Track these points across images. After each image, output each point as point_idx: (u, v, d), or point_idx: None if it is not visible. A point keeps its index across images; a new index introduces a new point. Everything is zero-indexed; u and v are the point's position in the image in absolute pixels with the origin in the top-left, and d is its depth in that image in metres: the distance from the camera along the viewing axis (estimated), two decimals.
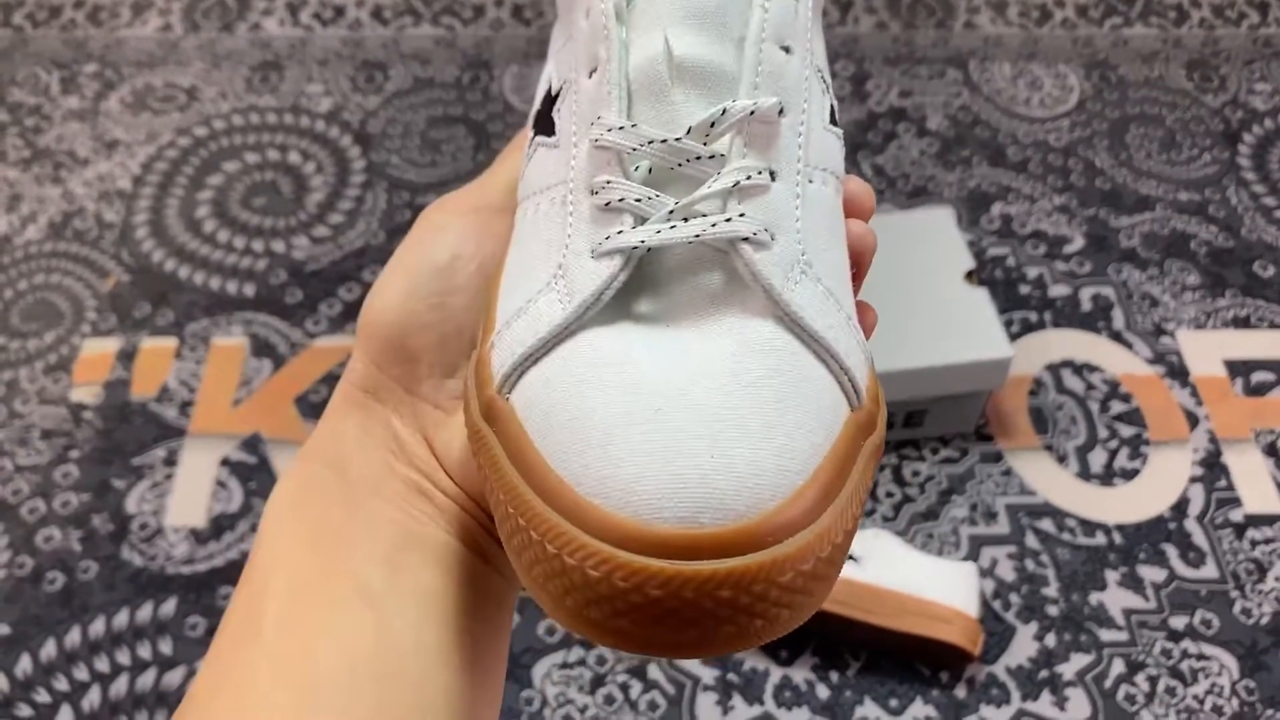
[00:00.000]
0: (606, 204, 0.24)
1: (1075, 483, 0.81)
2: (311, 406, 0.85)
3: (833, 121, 0.28)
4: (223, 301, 0.92)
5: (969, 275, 0.80)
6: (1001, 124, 1.05)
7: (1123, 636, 0.74)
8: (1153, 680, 0.72)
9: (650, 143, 0.24)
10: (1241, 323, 0.91)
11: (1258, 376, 0.87)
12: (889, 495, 0.81)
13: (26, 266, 0.95)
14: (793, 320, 0.24)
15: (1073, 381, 0.87)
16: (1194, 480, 0.81)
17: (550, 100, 0.28)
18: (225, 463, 0.82)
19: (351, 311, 0.91)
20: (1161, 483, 0.81)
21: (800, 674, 0.72)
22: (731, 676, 0.72)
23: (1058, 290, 0.92)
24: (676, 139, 0.24)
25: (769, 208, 0.25)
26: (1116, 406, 0.85)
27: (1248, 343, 0.89)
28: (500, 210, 0.30)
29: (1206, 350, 0.89)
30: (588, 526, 0.21)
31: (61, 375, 0.87)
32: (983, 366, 0.77)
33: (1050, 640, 0.74)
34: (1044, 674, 0.72)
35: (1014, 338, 0.89)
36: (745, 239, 0.24)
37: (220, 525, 0.79)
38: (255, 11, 1.16)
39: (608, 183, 0.25)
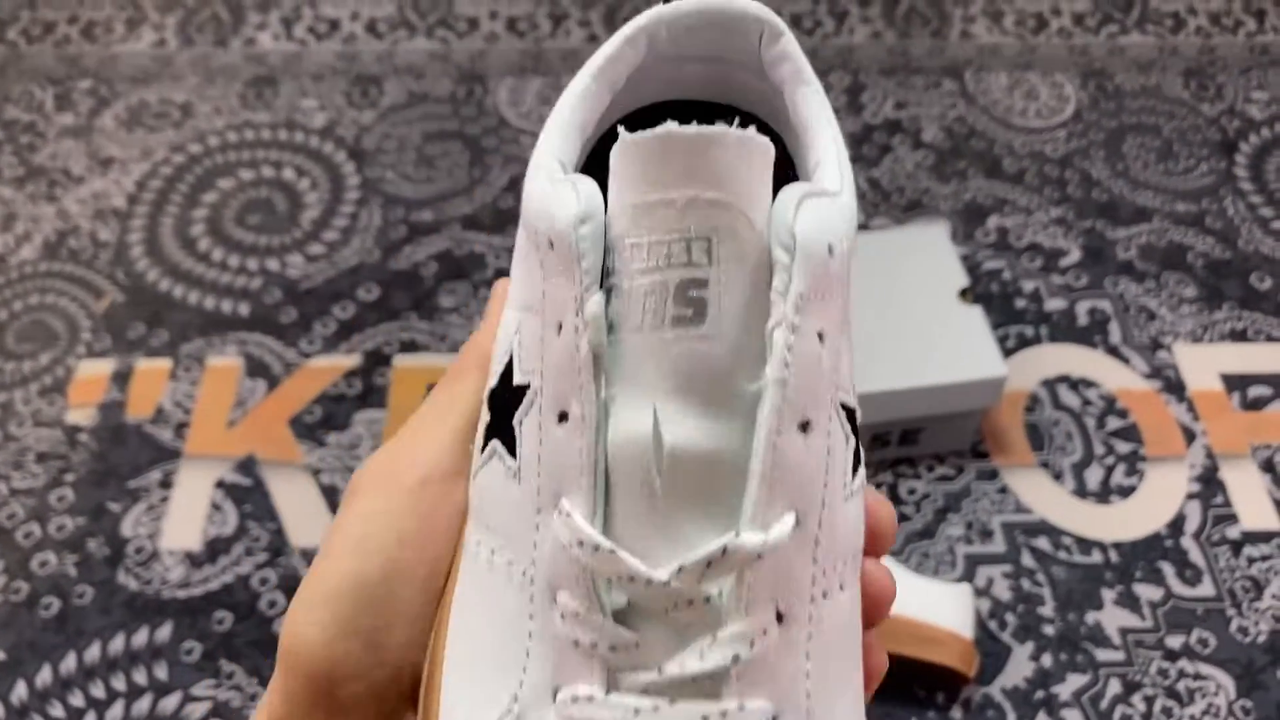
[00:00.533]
0: (574, 641, 0.21)
1: (1071, 500, 0.81)
2: (306, 428, 0.85)
3: (855, 469, 0.23)
4: (217, 321, 0.92)
5: (963, 293, 0.80)
6: (998, 135, 1.05)
7: (1119, 656, 0.74)
8: (1149, 700, 0.72)
9: (631, 579, 0.20)
10: (1239, 336, 0.90)
11: (1255, 391, 0.87)
12: None
13: (21, 287, 0.95)
14: None
15: (1069, 397, 0.86)
16: (1191, 497, 0.81)
17: (513, 392, 0.24)
18: (220, 485, 0.82)
19: (346, 330, 0.91)
20: (1158, 500, 0.81)
21: None
22: None
23: (1054, 304, 0.92)
24: (665, 582, 0.20)
25: (775, 679, 0.21)
26: (1113, 422, 0.85)
27: (1245, 356, 0.89)
28: (453, 477, 0.26)
29: (1203, 364, 0.89)
30: None
31: (56, 397, 0.87)
32: (977, 385, 0.77)
33: (1046, 660, 0.73)
34: (1040, 694, 0.72)
35: (1010, 353, 0.89)
36: None
37: (215, 549, 0.79)
38: (249, 26, 1.16)
39: (575, 614, 0.21)
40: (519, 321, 0.24)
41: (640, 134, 0.21)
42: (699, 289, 0.21)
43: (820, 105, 0.26)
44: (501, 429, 0.24)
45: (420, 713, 0.24)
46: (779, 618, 0.21)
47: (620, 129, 0.21)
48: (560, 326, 0.22)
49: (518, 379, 0.23)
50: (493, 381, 0.25)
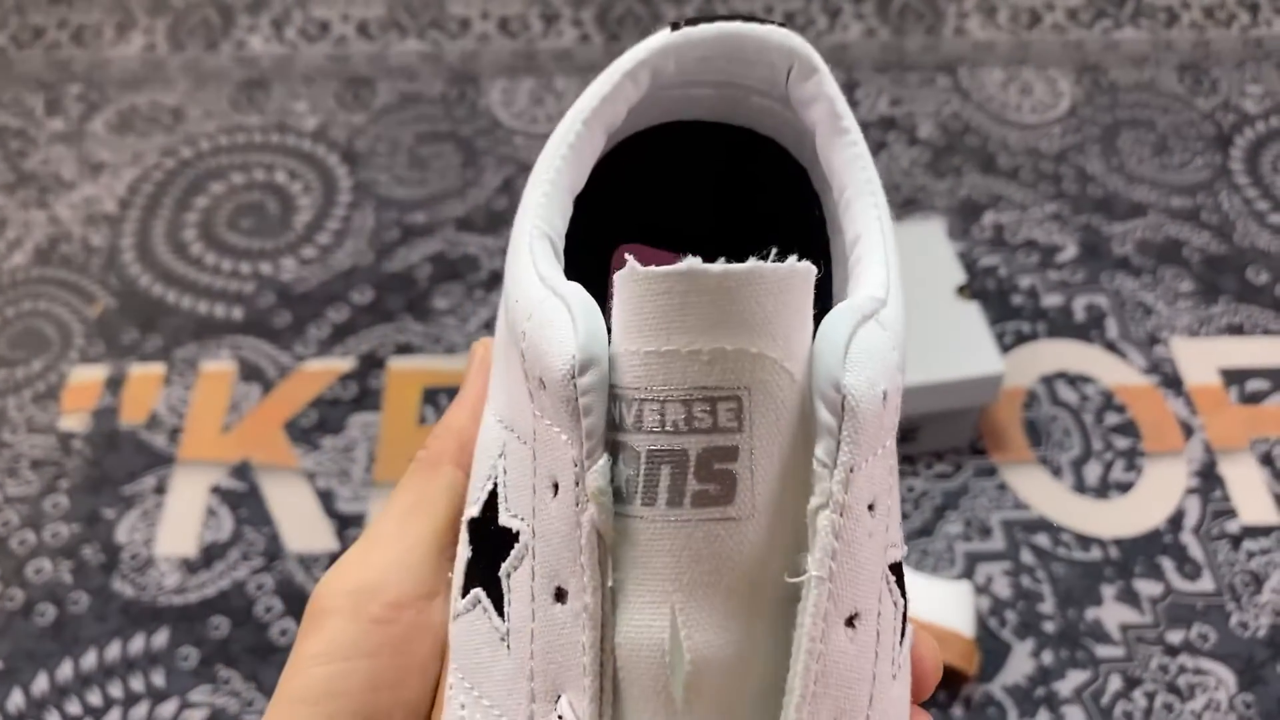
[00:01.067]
0: None
1: (1070, 496, 0.81)
2: (301, 432, 0.84)
3: (903, 633, 0.20)
4: (210, 325, 0.91)
5: (961, 289, 0.80)
6: (992, 131, 1.05)
7: (1119, 652, 0.73)
8: (1150, 696, 0.72)
9: None
10: (1236, 330, 0.90)
11: (1253, 385, 0.87)
12: None
13: (14, 293, 0.94)
14: None
15: (1067, 393, 0.86)
16: (1190, 492, 0.81)
17: (500, 535, 0.20)
18: (215, 490, 0.81)
19: (340, 333, 0.90)
20: (1157, 495, 0.81)
21: None
22: None
23: (1050, 300, 0.92)
24: None
25: None
26: (1111, 418, 0.85)
27: (1242, 350, 0.89)
28: (428, 597, 0.23)
29: (1201, 359, 0.88)
30: None
31: (50, 403, 0.87)
32: (975, 383, 0.76)
33: (1046, 657, 0.73)
34: (1040, 691, 0.72)
35: (1007, 349, 0.88)
36: None
37: (211, 554, 0.78)
38: (239, 29, 1.15)
39: None
40: (504, 444, 0.21)
41: (654, 271, 0.17)
42: (727, 460, 0.17)
43: (862, 165, 0.22)
44: (486, 579, 0.20)
45: None
46: None
47: (628, 258, 0.17)
48: (556, 487, 0.18)
49: (504, 519, 0.20)
50: (473, 510, 0.22)
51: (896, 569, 0.20)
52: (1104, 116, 1.06)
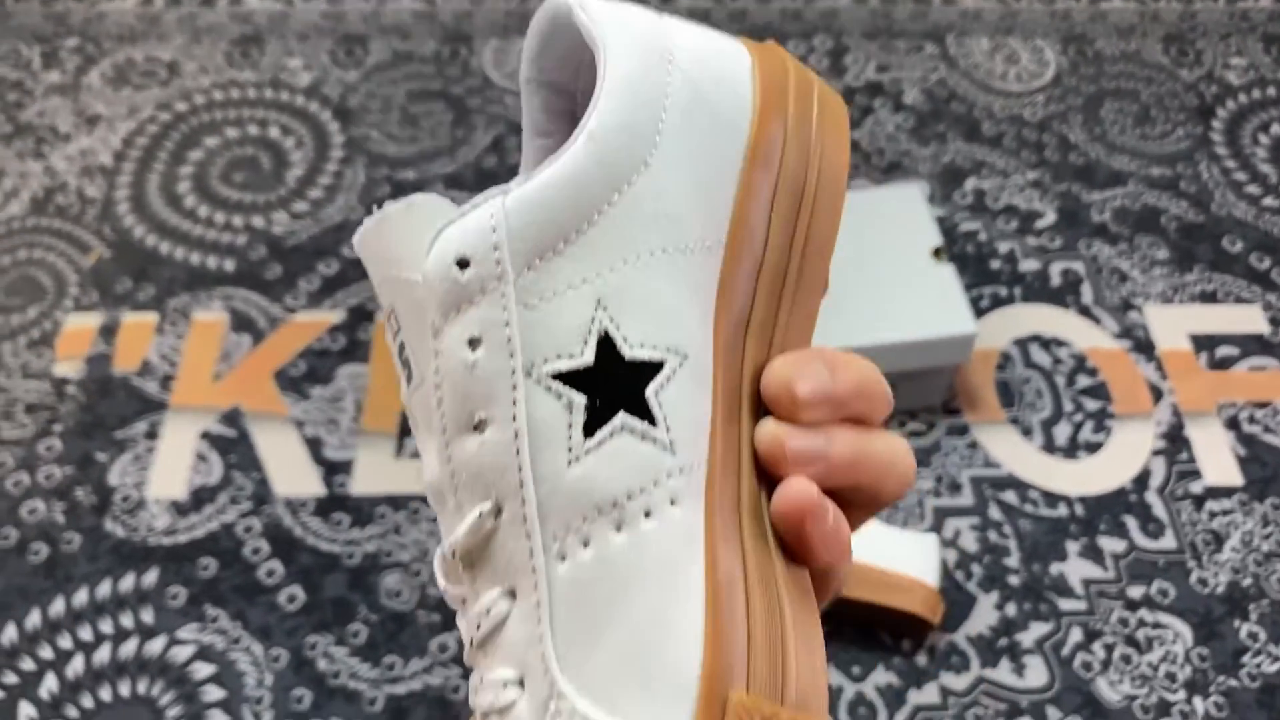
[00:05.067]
0: None
1: (1039, 455, 0.83)
2: (290, 380, 0.86)
3: (600, 422, 0.24)
4: (203, 277, 0.93)
5: (936, 252, 0.82)
6: (978, 99, 1.06)
7: (1081, 606, 0.76)
8: (1109, 648, 0.74)
9: (444, 591, 0.26)
10: (1209, 298, 0.92)
11: (1222, 351, 0.89)
12: None
13: (9, 242, 0.96)
14: None
15: (1040, 356, 0.88)
16: (1156, 453, 0.83)
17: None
18: (205, 436, 0.83)
19: (330, 286, 0.92)
20: (1124, 455, 0.83)
21: None
22: None
23: (1028, 265, 0.93)
24: (444, 589, 0.25)
25: (510, 648, 0.23)
26: (1082, 380, 0.87)
27: (1214, 317, 0.91)
28: None
29: (1173, 325, 0.90)
30: None
31: (44, 350, 0.89)
32: (948, 342, 0.78)
33: (1010, 609, 0.75)
34: (1003, 642, 0.74)
35: (983, 313, 0.90)
36: (491, 710, 0.23)
37: (200, 497, 0.80)
38: None
39: (460, 626, 0.26)
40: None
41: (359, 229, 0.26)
42: (403, 352, 0.25)
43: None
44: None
45: None
46: (513, 594, 0.23)
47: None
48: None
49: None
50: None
51: (571, 376, 0.24)
52: (1088, 86, 1.07)
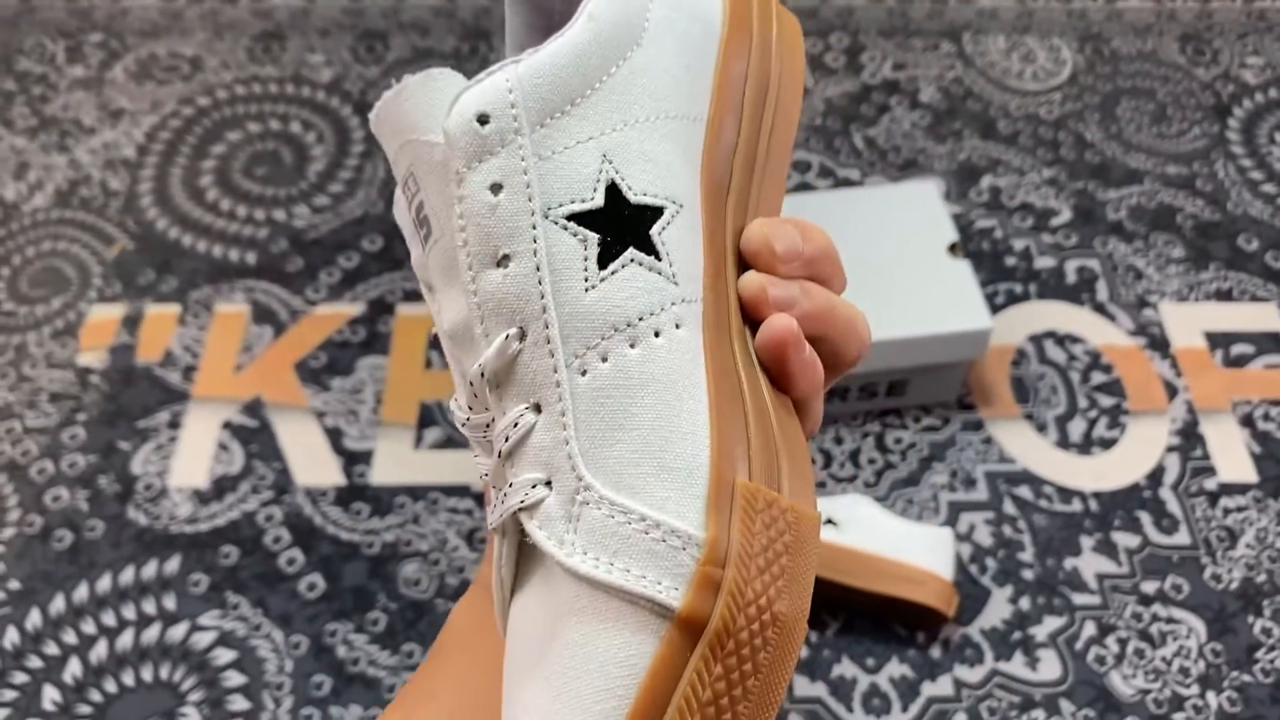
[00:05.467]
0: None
1: (1054, 451, 0.83)
2: (311, 372, 0.87)
3: (610, 258, 0.27)
4: (225, 269, 0.94)
5: (952, 248, 0.82)
6: (994, 97, 1.06)
7: (1095, 600, 0.76)
8: (1122, 642, 0.74)
9: (464, 424, 0.27)
10: (1224, 295, 0.92)
11: (1238, 348, 0.89)
12: (871, 462, 0.83)
13: (34, 234, 0.97)
14: (576, 574, 0.25)
15: (1055, 352, 0.88)
16: (1170, 450, 0.83)
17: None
18: (227, 426, 0.84)
19: (350, 279, 0.93)
20: (1139, 452, 0.83)
21: None
22: None
23: (1043, 262, 0.94)
24: (465, 420, 0.27)
25: (538, 452, 0.26)
26: (1097, 377, 0.87)
27: (1229, 315, 0.91)
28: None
29: (1188, 322, 0.90)
30: None
31: (68, 340, 0.90)
32: (963, 337, 0.79)
33: (1024, 603, 0.76)
34: (1017, 635, 0.75)
35: (998, 309, 0.91)
36: (522, 508, 0.25)
37: (222, 486, 0.81)
38: None
39: (478, 460, 0.28)
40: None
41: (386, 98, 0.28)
42: (422, 209, 0.28)
43: None
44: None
45: None
46: (536, 407, 0.26)
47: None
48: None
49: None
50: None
51: (583, 216, 0.27)
52: (1104, 85, 1.07)
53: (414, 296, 0.92)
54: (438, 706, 0.31)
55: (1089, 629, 0.75)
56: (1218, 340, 0.89)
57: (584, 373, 0.26)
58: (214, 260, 0.95)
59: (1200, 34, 1.12)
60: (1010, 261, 0.94)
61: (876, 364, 0.79)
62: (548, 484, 0.25)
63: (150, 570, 0.78)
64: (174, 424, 0.85)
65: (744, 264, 0.29)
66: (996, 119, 1.04)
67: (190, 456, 0.83)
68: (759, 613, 0.23)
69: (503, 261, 0.26)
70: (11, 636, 0.75)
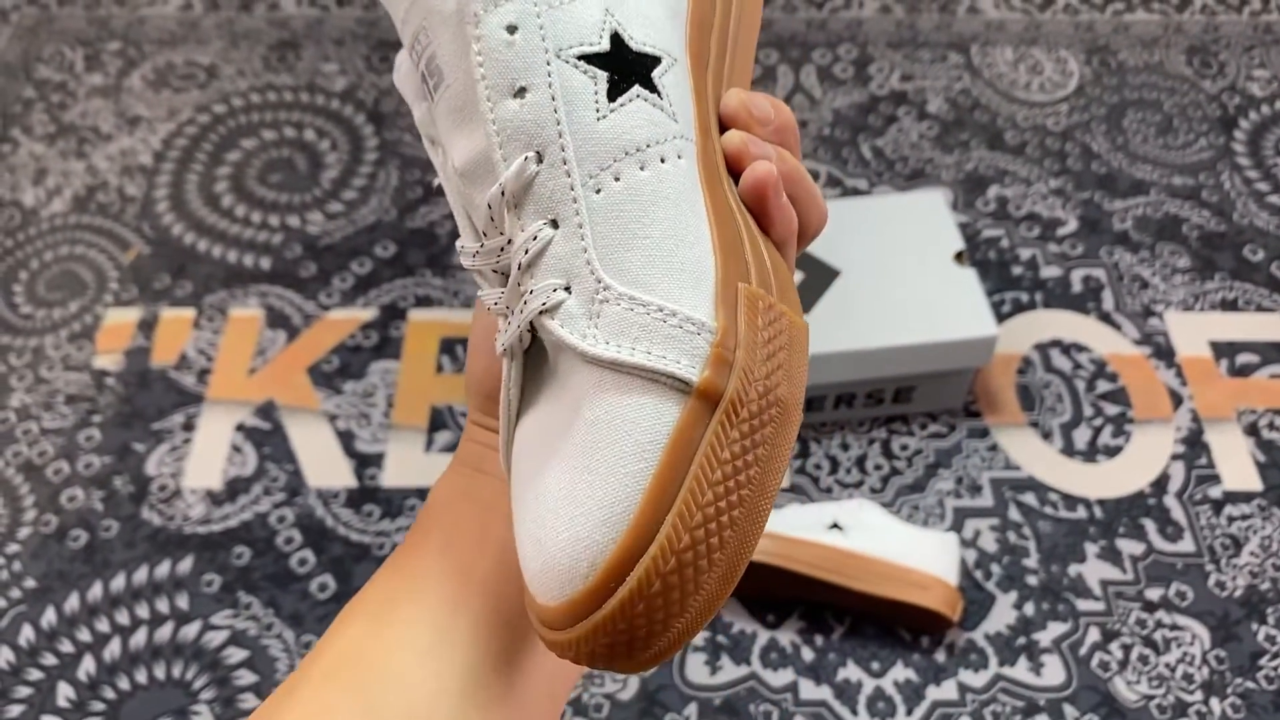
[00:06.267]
0: (497, 313, 0.30)
1: (1059, 458, 0.84)
2: (323, 375, 0.88)
3: (619, 91, 0.29)
4: (239, 274, 0.95)
5: (958, 256, 0.83)
6: (1001, 108, 1.07)
7: (1099, 606, 0.77)
8: (1126, 649, 0.75)
9: (474, 256, 0.29)
10: (1229, 305, 0.93)
11: (1242, 358, 0.90)
12: (877, 468, 0.83)
13: (52, 238, 0.98)
14: (598, 360, 0.27)
15: (1060, 361, 0.89)
16: (1175, 458, 0.84)
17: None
18: (240, 428, 0.85)
19: (363, 285, 0.94)
20: (1143, 460, 0.84)
21: (786, 637, 0.75)
22: (721, 638, 0.75)
23: (1049, 271, 0.94)
24: (480, 246, 0.28)
25: (556, 261, 0.28)
26: (1102, 385, 0.88)
27: (1234, 325, 0.92)
28: None
29: (1193, 332, 0.91)
30: (529, 610, 0.28)
31: (85, 343, 0.91)
32: (969, 344, 0.79)
33: (1029, 609, 0.76)
34: (1021, 641, 0.75)
35: (1005, 318, 0.91)
36: (542, 312, 0.27)
37: (235, 488, 0.82)
38: None
39: (481, 295, 0.30)
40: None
41: None
42: (434, 60, 0.29)
43: None
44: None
45: None
46: (553, 223, 0.28)
47: None
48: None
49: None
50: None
51: (596, 57, 0.29)
52: (1111, 96, 1.08)
53: (425, 302, 0.93)
54: (424, 566, 0.32)
55: (1093, 635, 0.75)
56: (1223, 350, 0.90)
57: (599, 190, 0.28)
58: (228, 265, 0.96)
59: (1207, 46, 1.13)
60: (1017, 270, 0.95)
61: (883, 371, 0.80)
62: (566, 288, 0.27)
63: (163, 570, 0.79)
64: (188, 426, 0.86)
65: (723, 128, 0.32)
66: (1004, 130, 1.05)
67: (204, 458, 0.84)
68: (765, 391, 0.26)
69: (519, 93, 0.28)
70: (27, 634, 0.76)
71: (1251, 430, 0.85)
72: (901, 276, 0.82)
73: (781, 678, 0.74)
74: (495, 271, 0.29)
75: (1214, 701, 0.72)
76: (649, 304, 0.27)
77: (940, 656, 0.75)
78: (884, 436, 0.85)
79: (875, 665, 0.74)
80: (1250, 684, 0.73)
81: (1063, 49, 1.13)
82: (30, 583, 0.78)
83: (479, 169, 0.29)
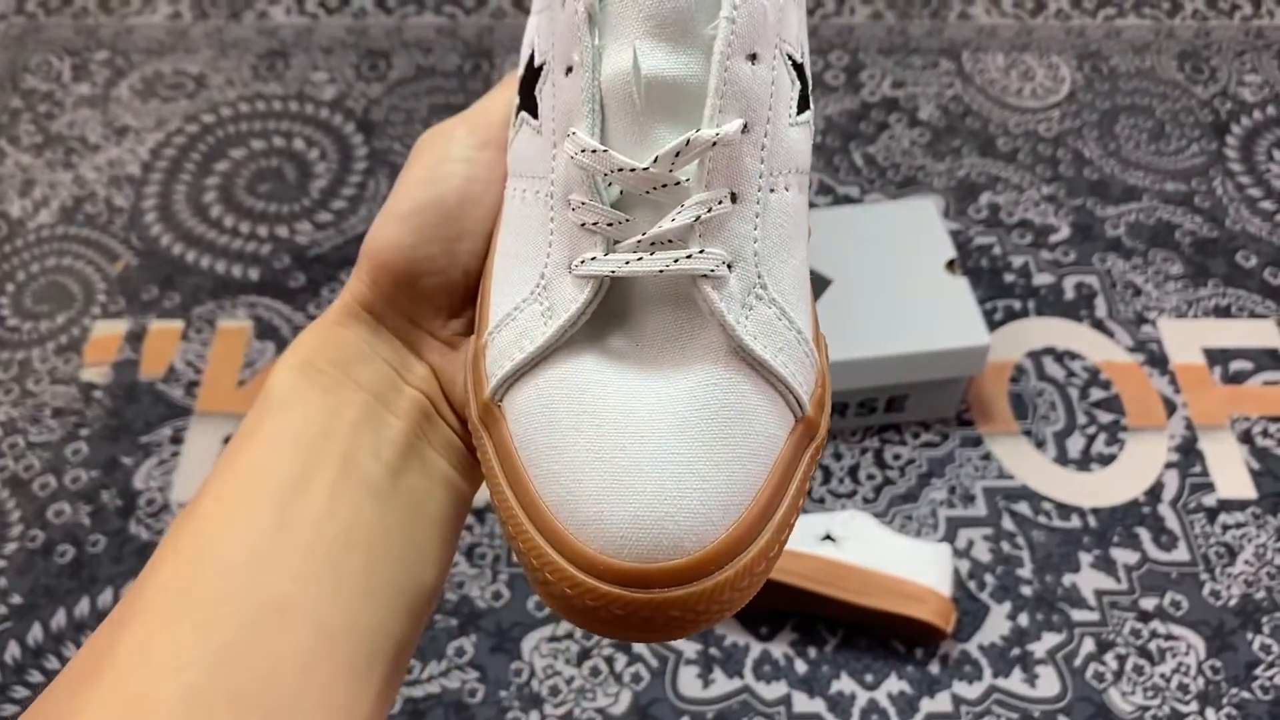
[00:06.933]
0: (582, 224, 0.27)
1: (1052, 467, 0.83)
2: None
3: (802, 108, 0.29)
4: (228, 285, 0.95)
5: (950, 265, 0.83)
6: (993, 114, 1.07)
7: (1094, 616, 0.76)
8: (1121, 659, 0.74)
9: (619, 170, 0.26)
10: (1222, 312, 0.93)
11: (1236, 365, 0.89)
12: (870, 478, 0.83)
13: (39, 250, 0.98)
14: (745, 352, 0.26)
15: (1053, 368, 0.89)
16: (1169, 466, 0.83)
17: (534, 72, 0.30)
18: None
19: None
20: (1137, 468, 0.83)
21: (779, 649, 0.75)
22: (713, 651, 0.75)
23: (1042, 279, 0.94)
24: (645, 168, 0.26)
25: (729, 237, 0.27)
26: (1096, 393, 0.87)
27: (1228, 331, 0.91)
28: (502, 148, 0.32)
29: (1186, 339, 0.91)
30: (562, 550, 0.25)
31: (72, 356, 0.90)
32: (961, 353, 0.79)
33: (1023, 619, 0.76)
34: (1016, 652, 0.75)
35: (997, 325, 0.91)
36: (705, 275, 0.26)
37: None
38: (262, 0, 1.18)
39: (582, 204, 0.27)
40: (535, 21, 0.31)
41: None
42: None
43: None
44: (527, 102, 0.30)
45: (477, 314, 0.31)
46: (733, 197, 0.27)
47: None
48: (564, 2, 0.28)
49: (537, 61, 0.30)
50: (519, 73, 0.31)
51: (798, 67, 0.29)
52: (1103, 102, 1.08)
53: None
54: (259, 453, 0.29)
55: (1088, 645, 0.75)
56: (1216, 357, 0.90)
57: (773, 190, 0.28)
58: (217, 276, 0.95)
59: (1199, 52, 1.13)
60: (1009, 278, 0.94)
61: (876, 380, 0.79)
62: (729, 266, 0.27)
63: None
64: (176, 439, 0.85)
65: None
66: (995, 136, 1.05)
67: (192, 471, 0.83)
68: (825, 436, 0.29)
69: (753, 58, 0.27)
70: (13, 651, 0.75)
71: (1245, 438, 0.85)
72: (893, 285, 0.81)
73: (775, 690, 0.73)
74: (657, 194, 0.27)
75: (1209, 712, 0.72)
76: (793, 322, 0.28)
77: (934, 668, 0.74)
78: (877, 446, 0.84)
79: (869, 678, 0.74)
80: (1246, 694, 0.73)
81: (1054, 55, 1.12)
82: (16, 599, 0.77)
83: (674, 98, 0.26)
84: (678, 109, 0.26)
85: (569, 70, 0.27)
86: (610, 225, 0.26)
